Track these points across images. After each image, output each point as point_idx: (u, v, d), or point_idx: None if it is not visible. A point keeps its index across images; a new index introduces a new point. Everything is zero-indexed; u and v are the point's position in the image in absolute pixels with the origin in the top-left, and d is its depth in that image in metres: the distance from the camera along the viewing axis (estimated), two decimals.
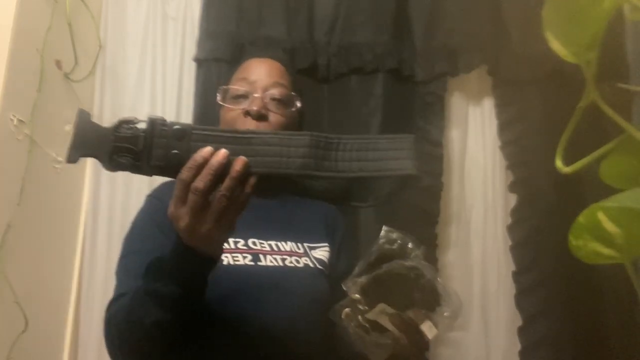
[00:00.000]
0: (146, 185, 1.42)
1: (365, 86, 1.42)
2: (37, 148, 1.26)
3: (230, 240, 0.92)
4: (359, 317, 0.82)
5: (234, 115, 1.01)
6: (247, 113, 0.99)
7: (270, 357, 0.87)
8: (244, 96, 1.02)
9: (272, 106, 1.01)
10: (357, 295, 0.83)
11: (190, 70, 1.48)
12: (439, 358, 1.38)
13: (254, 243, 0.94)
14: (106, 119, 1.48)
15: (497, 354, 1.37)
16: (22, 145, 1.22)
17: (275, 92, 1.02)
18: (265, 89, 1.02)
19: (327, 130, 1.40)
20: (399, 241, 0.87)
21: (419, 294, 0.83)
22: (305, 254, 0.97)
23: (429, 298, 0.83)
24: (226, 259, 0.90)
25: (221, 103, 1.05)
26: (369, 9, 1.44)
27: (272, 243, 0.95)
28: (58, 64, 1.34)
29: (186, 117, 1.46)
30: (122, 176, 1.44)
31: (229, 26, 1.42)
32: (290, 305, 0.90)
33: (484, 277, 1.42)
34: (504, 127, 1.45)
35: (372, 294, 0.83)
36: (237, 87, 1.03)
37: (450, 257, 1.42)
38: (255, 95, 1.01)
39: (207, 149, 0.67)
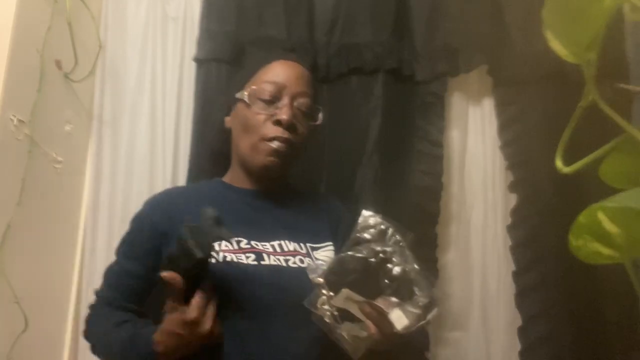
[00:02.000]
0: (146, 186, 1.42)
1: (365, 86, 1.42)
2: (37, 148, 1.26)
3: (233, 240, 0.92)
4: (328, 305, 0.79)
5: (261, 120, 0.99)
6: (277, 122, 0.98)
7: (273, 355, 0.87)
8: (272, 100, 1.00)
9: (298, 116, 1.00)
10: (320, 279, 0.81)
11: (190, 70, 1.48)
12: (439, 358, 1.38)
13: (257, 244, 0.94)
14: (106, 119, 1.48)
15: (497, 354, 1.37)
16: (22, 145, 1.22)
17: (303, 102, 1.01)
18: (294, 97, 1.00)
19: (327, 130, 1.41)
20: (380, 227, 0.84)
21: (388, 281, 0.79)
22: (308, 255, 0.97)
23: (400, 286, 0.79)
24: (230, 257, 0.90)
25: (248, 103, 1.01)
26: (369, 9, 1.44)
27: (275, 243, 0.95)
28: (58, 64, 1.34)
29: (186, 117, 1.46)
30: (123, 176, 1.44)
31: (229, 26, 1.43)
32: (292, 305, 0.89)
33: (484, 277, 1.42)
34: (504, 127, 1.45)
35: (335, 279, 0.80)
36: (265, 89, 1.00)
37: (450, 257, 1.42)
38: (285, 102, 0.99)
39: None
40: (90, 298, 1.37)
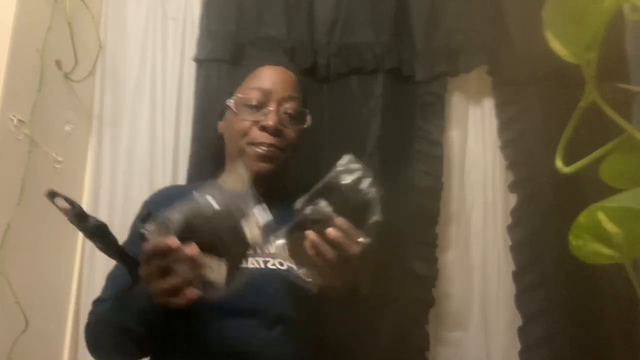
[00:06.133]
0: (146, 186, 1.42)
1: (365, 86, 1.42)
2: (37, 148, 1.26)
3: None
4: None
5: (247, 126, 1.01)
6: (263, 127, 1.00)
7: (248, 356, 0.87)
8: (258, 106, 1.01)
9: (285, 121, 1.02)
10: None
11: (190, 70, 1.48)
12: (439, 358, 1.38)
13: None
14: (106, 119, 1.48)
15: (497, 354, 1.37)
16: (22, 145, 1.22)
17: (289, 106, 1.02)
18: (280, 102, 1.01)
19: (327, 130, 1.41)
20: (356, 175, 0.81)
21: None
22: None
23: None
24: None
25: (235, 111, 1.03)
26: (369, 9, 1.44)
27: None
28: (58, 64, 1.34)
29: (186, 117, 1.46)
30: (123, 176, 1.44)
31: (229, 26, 1.43)
32: (271, 308, 0.90)
33: (484, 277, 1.42)
34: (504, 127, 1.45)
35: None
36: (251, 96, 1.02)
37: (450, 257, 1.42)
38: (271, 108, 1.00)
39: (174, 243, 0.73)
40: (90, 298, 1.38)
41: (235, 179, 1.05)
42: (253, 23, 1.43)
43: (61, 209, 0.78)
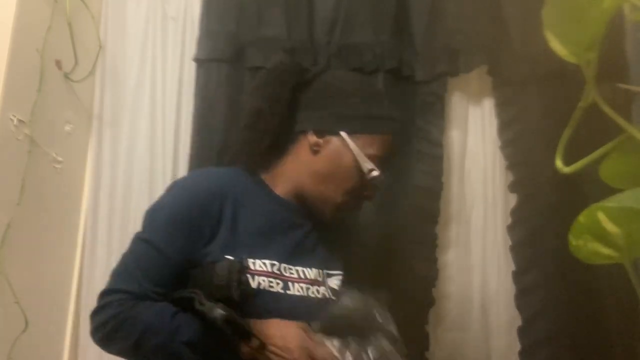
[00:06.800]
0: (146, 185, 1.42)
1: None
2: (37, 148, 1.26)
3: (267, 262, 0.91)
4: None
5: (353, 187, 0.99)
6: (365, 197, 1.01)
7: None
8: (370, 175, 0.99)
9: None
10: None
11: (190, 70, 1.48)
12: (439, 358, 1.38)
13: (285, 269, 0.94)
14: (106, 119, 1.48)
15: (497, 354, 1.37)
16: (22, 145, 1.22)
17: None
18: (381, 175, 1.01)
19: None
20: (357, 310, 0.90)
21: None
22: (324, 282, 0.99)
23: None
24: (263, 282, 0.89)
25: (366, 177, 0.98)
26: (369, 9, 1.44)
27: (300, 269, 0.96)
28: (58, 64, 1.34)
29: (186, 117, 1.46)
30: (123, 176, 1.44)
31: (229, 26, 1.43)
32: None
33: (484, 277, 1.42)
34: (504, 127, 1.45)
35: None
36: (374, 165, 0.98)
37: (450, 257, 1.42)
38: (375, 180, 0.99)
39: None
40: (90, 298, 1.38)
41: (290, 189, 1.03)
42: (253, 23, 1.43)
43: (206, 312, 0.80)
